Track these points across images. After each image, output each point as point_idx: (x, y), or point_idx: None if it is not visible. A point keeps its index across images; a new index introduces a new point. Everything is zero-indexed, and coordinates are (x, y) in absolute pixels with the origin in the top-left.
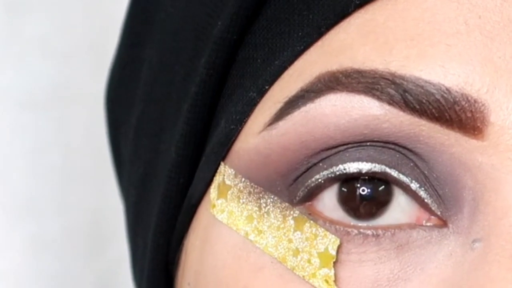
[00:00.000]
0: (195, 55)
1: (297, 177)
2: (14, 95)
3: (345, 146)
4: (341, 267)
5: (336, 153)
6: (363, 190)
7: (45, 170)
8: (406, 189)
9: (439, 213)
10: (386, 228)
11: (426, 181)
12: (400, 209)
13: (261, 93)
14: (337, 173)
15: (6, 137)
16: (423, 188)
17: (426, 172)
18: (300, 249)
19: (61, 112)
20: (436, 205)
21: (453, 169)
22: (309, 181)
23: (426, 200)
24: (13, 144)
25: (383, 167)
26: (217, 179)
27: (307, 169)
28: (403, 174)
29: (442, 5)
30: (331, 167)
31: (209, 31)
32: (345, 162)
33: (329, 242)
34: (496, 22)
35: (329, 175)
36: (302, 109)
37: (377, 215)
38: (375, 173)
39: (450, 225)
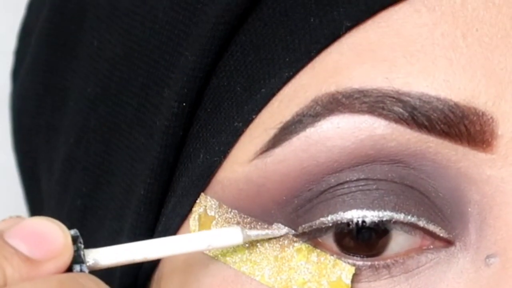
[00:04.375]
0: (152, 85)
1: (297, 208)
2: None
3: (348, 178)
4: None
5: (340, 183)
6: (360, 234)
7: None
8: (414, 226)
9: (446, 236)
10: (395, 257)
11: (432, 209)
12: (399, 246)
13: (247, 122)
14: (344, 221)
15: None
16: (430, 221)
17: (432, 197)
18: (307, 279)
19: None
20: (443, 231)
21: (458, 184)
22: (313, 222)
23: (434, 230)
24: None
25: (389, 213)
26: (197, 211)
27: (309, 201)
28: (410, 213)
29: (437, 20)
30: (336, 212)
31: (171, 61)
32: (351, 209)
33: (342, 271)
34: (493, 34)
35: (335, 222)
36: (301, 134)
37: (376, 254)
38: (382, 222)
39: (457, 243)
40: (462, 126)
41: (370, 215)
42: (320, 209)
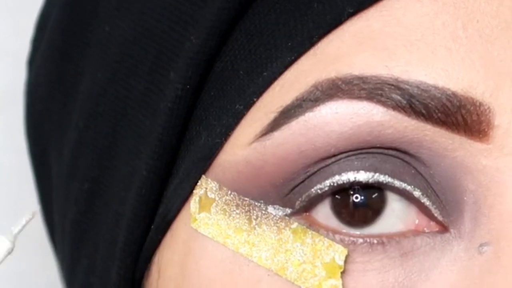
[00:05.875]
0: (158, 69)
1: (293, 187)
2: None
3: (346, 154)
4: (345, 277)
5: (335, 161)
6: (357, 198)
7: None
8: (408, 197)
9: (440, 218)
10: (391, 236)
11: (428, 187)
12: (395, 215)
13: (249, 105)
14: (340, 182)
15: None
16: (425, 195)
17: (428, 178)
18: (302, 260)
19: None
20: (438, 211)
21: (454, 173)
22: (310, 191)
23: (429, 207)
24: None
25: (386, 177)
26: (198, 193)
27: (305, 179)
28: (405, 182)
29: (439, 10)
30: (333, 176)
31: (177, 45)
32: (347, 171)
33: (335, 252)
34: (494, 26)
35: (332, 185)
36: (300, 118)
37: (372, 222)
38: (378, 183)
39: (452, 230)
40: (459, 115)
41: (366, 176)
42: (316, 178)
